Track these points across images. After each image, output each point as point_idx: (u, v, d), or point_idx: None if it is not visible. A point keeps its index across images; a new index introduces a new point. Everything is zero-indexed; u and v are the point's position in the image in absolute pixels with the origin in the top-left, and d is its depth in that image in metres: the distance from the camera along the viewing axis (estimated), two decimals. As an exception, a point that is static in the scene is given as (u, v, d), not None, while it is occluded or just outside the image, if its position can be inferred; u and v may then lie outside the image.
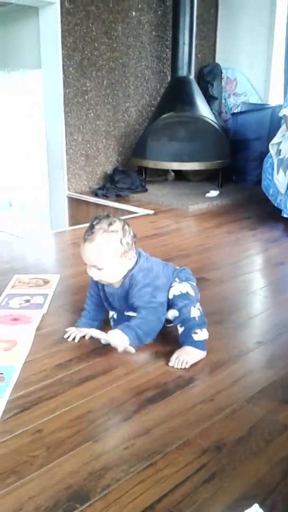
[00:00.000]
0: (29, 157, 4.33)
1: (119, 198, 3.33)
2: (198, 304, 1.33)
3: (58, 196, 3.62)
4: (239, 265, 2.09)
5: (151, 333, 1.31)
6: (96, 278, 1.30)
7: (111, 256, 1.25)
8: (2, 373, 1.19)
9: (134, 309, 1.33)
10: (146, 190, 3.45)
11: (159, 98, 3.78)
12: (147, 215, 2.99)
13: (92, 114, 3.52)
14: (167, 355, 1.28)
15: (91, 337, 1.36)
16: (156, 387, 1.17)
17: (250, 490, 0.85)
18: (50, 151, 3.57)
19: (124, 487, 0.86)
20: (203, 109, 3.57)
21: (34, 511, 0.81)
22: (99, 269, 1.26)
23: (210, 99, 3.95)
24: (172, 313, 1.33)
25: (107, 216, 1.28)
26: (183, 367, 1.24)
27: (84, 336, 1.39)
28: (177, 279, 1.36)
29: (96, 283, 1.37)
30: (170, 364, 1.25)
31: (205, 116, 3.50)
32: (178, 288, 1.33)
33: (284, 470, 0.91)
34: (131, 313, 1.35)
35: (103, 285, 1.36)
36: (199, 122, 3.46)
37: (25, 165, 4.43)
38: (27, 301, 1.64)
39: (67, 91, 3.33)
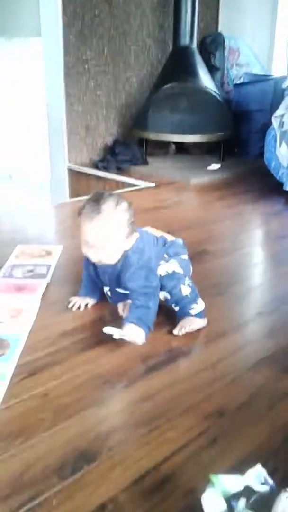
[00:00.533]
0: (29, 128, 4.28)
1: (119, 170, 3.32)
2: (187, 280, 1.33)
3: (58, 168, 3.59)
4: (240, 238, 2.10)
5: (154, 319, 1.27)
6: (94, 259, 1.25)
7: (117, 236, 1.21)
8: (8, 340, 1.22)
9: (125, 288, 1.30)
10: (147, 163, 3.43)
11: (160, 68, 3.71)
12: (148, 188, 2.98)
13: (92, 84, 3.46)
14: (170, 325, 1.30)
15: (95, 305, 1.39)
16: (159, 355, 1.19)
17: (251, 454, 0.88)
18: (51, 122, 3.53)
19: (129, 448, 0.89)
20: (206, 80, 3.51)
21: (43, 471, 0.84)
22: (101, 249, 1.21)
23: (212, 69, 3.88)
24: (163, 295, 1.32)
25: (111, 194, 1.23)
26: (187, 331, 1.26)
27: (87, 305, 1.41)
28: (165, 256, 1.34)
29: (89, 259, 1.32)
30: (175, 332, 1.27)
31: (207, 87, 3.44)
32: (165, 268, 1.31)
33: (284, 435, 0.94)
34: (121, 290, 1.33)
35: (96, 264, 1.32)
36: (201, 93, 3.41)
37: (25, 137, 4.39)
38: (31, 271, 1.65)
39: (67, 60, 3.27)
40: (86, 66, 3.38)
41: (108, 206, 1.18)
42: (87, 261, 1.34)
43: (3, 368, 1.11)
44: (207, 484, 0.70)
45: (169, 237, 1.73)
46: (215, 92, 3.47)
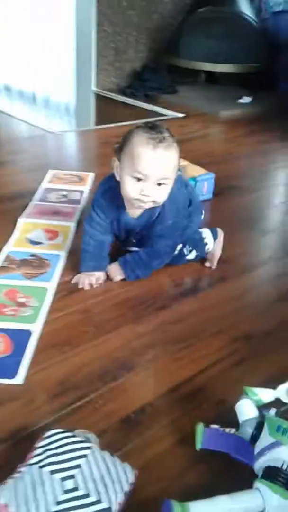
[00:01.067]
0: (55, 47, 4.11)
1: (147, 98, 3.24)
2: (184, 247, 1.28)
3: (84, 92, 3.51)
4: (269, 175, 2.11)
5: (148, 274, 1.23)
6: (150, 198, 1.06)
7: (175, 172, 1.08)
8: (48, 260, 1.29)
9: (147, 240, 1.21)
10: (176, 91, 3.34)
11: (196, -11, 3.51)
12: (176, 118, 2.93)
13: (124, 3, 3.30)
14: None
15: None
16: (191, 283, 1.26)
17: (277, 374, 0.96)
18: (79, 42, 3.41)
19: (164, 362, 0.98)
20: (243, 5, 3.33)
21: (87, 375, 0.93)
22: (162, 184, 1.05)
23: (250, -7, 3.66)
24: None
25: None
26: (217, 259, 1.31)
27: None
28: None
29: (107, 211, 1.17)
30: (207, 264, 1.31)
31: (244, 13, 3.27)
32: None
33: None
34: (134, 248, 1.27)
35: (119, 215, 1.18)
36: (238, 19, 3.25)
37: (50, 56, 4.23)
38: (65, 196, 1.69)
39: (99, -26, 3.11)
40: (119, -17, 3.22)
41: (169, 135, 1.04)
42: (102, 212, 1.18)
43: (45, 285, 1.19)
44: (241, 395, 0.78)
45: (199, 171, 1.75)
46: (253, 19, 3.30)
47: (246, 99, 3.21)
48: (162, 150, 1.01)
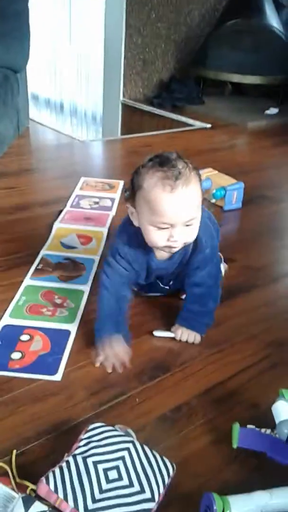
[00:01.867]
0: (84, 58, 4.21)
1: (174, 108, 3.29)
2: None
3: (112, 102, 3.58)
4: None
5: (213, 317, 1.10)
6: (180, 242, 0.92)
7: (199, 202, 0.92)
8: (83, 264, 1.33)
9: (183, 280, 1.09)
10: (203, 102, 3.38)
11: (224, 3, 3.56)
12: (204, 128, 2.96)
13: (153, 15, 3.37)
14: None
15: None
16: (224, 290, 1.27)
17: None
18: (107, 53, 3.48)
19: (198, 364, 1.01)
20: (271, 18, 3.36)
21: (124, 374, 0.96)
22: (190, 225, 0.91)
23: (278, 6, 3.68)
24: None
25: (169, 152, 0.90)
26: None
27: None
28: None
29: (133, 260, 1.02)
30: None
31: (272, 26, 3.31)
32: None
33: None
34: (166, 287, 1.15)
35: (148, 261, 1.03)
36: (266, 32, 3.28)
37: (79, 65, 4.32)
38: (96, 203, 1.74)
39: (130, -12, 3.18)
40: (149, -4, 3.29)
41: (183, 164, 0.87)
42: (122, 273, 1.03)
43: (81, 287, 1.22)
44: (277, 397, 0.80)
45: (228, 181, 1.78)
46: (280, 32, 3.33)
47: (273, 110, 3.23)
48: (182, 189, 0.85)
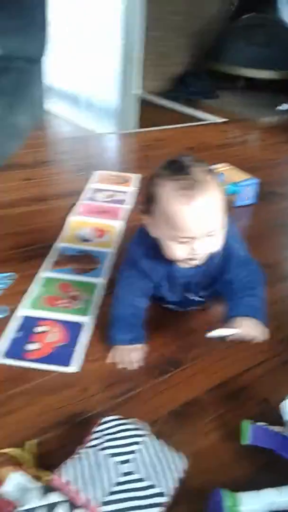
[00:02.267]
0: (100, 49, 4.19)
1: (188, 102, 3.28)
2: None
3: (127, 95, 3.57)
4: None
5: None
6: (204, 253, 0.88)
7: (222, 207, 0.86)
8: (98, 257, 1.34)
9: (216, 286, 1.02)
10: (217, 96, 3.37)
11: (241, -5, 3.54)
12: (216, 123, 2.96)
13: (170, 8, 3.35)
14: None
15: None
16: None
17: None
18: (124, 46, 3.47)
19: (209, 360, 1.02)
20: (285, 13, 3.33)
21: (136, 370, 0.98)
22: (212, 235, 0.86)
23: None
24: None
25: (185, 155, 0.86)
26: None
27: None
28: None
29: (153, 272, 0.98)
30: None
31: (286, 21, 3.28)
32: None
33: None
34: (196, 298, 1.08)
35: (170, 271, 0.97)
36: (280, 27, 3.26)
37: (95, 58, 4.31)
38: (111, 196, 1.75)
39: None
40: (166, -12, 3.27)
41: (200, 168, 0.83)
42: (139, 286, 1.00)
43: (96, 280, 1.24)
44: (286, 395, 0.82)
45: (241, 176, 1.77)
46: (297, 26, 3.30)
47: (285, 106, 3.21)
48: (201, 198, 0.80)
